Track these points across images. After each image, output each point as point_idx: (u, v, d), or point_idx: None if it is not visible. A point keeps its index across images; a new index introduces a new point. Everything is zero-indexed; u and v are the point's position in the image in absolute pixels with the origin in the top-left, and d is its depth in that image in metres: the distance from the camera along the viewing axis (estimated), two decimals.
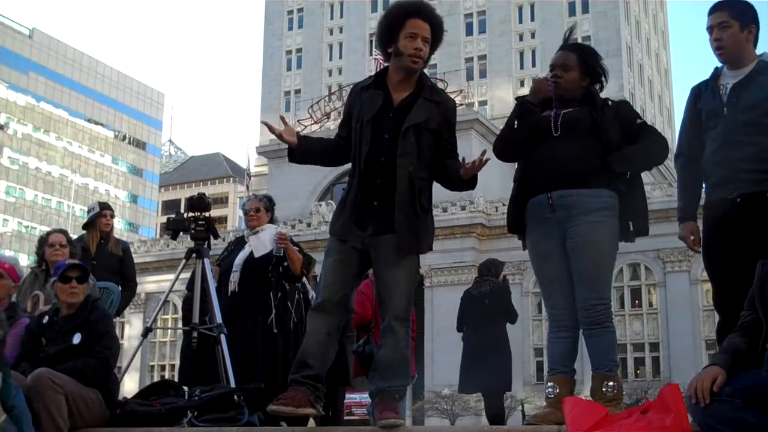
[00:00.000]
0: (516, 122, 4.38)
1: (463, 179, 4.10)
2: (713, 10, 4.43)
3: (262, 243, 6.40)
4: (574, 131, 4.31)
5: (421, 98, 4.19)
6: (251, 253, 6.41)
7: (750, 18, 4.38)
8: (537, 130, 4.38)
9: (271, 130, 4.24)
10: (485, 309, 8.49)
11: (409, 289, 4.19)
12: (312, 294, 6.81)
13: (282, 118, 4.40)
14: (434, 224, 4.40)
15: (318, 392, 4.22)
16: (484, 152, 4.00)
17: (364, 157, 4.16)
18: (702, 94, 4.52)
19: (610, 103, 4.43)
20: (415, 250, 4.16)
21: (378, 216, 4.14)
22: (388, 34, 4.20)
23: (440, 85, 51.73)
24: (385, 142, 4.14)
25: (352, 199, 4.21)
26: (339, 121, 4.55)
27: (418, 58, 4.14)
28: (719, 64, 4.53)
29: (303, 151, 4.35)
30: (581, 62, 4.45)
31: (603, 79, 4.52)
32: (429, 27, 4.16)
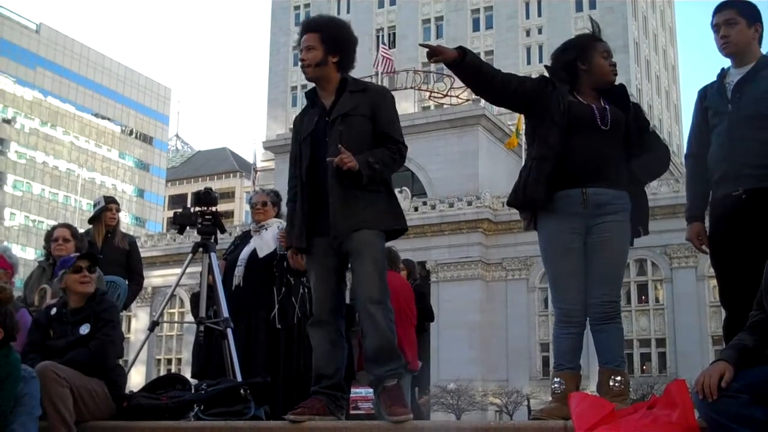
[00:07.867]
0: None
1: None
2: (720, 9, 4.44)
3: (265, 242, 6.40)
4: (618, 130, 4.28)
5: (346, 92, 4.36)
6: (255, 250, 6.42)
7: (756, 16, 4.42)
8: (577, 119, 4.25)
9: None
10: None
11: (378, 272, 4.19)
12: None
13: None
14: (396, 205, 4.40)
15: (339, 401, 4.28)
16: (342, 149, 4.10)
17: (305, 168, 4.33)
18: (708, 94, 4.54)
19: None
20: (352, 228, 4.17)
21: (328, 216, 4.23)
22: None
23: (446, 80, 51.70)
24: (325, 146, 4.29)
25: (300, 209, 4.35)
26: None
27: (306, 66, 4.41)
28: (726, 63, 4.53)
29: None
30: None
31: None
32: (317, 35, 4.41)
